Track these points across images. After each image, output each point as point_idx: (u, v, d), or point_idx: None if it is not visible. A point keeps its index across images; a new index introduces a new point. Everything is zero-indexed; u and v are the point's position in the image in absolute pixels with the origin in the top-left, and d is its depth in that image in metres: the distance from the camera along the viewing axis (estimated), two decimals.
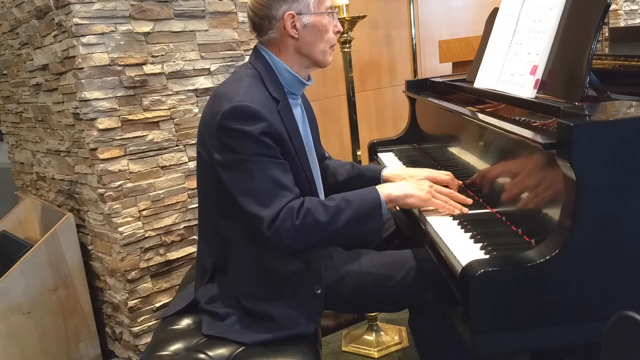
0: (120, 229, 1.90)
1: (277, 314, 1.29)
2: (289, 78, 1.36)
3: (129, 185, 1.91)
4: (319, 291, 1.31)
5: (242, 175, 1.22)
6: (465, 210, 1.30)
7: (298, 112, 1.41)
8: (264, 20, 1.32)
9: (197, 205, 1.62)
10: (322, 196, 1.47)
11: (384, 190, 1.29)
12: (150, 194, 1.96)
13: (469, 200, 1.33)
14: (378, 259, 1.38)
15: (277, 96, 1.30)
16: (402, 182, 1.38)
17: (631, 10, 3.69)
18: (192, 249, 2.06)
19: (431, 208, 1.33)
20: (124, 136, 1.88)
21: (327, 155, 1.70)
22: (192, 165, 2.02)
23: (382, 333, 2.23)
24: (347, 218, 1.23)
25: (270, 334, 1.27)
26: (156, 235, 1.99)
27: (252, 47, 1.43)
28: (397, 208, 1.46)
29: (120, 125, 1.87)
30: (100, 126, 1.83)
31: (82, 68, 1.79)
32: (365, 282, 1.35)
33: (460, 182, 1.46)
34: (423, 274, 1.31)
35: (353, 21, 2.08)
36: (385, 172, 1.56)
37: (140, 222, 1.95)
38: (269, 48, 1.36)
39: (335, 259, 1.38)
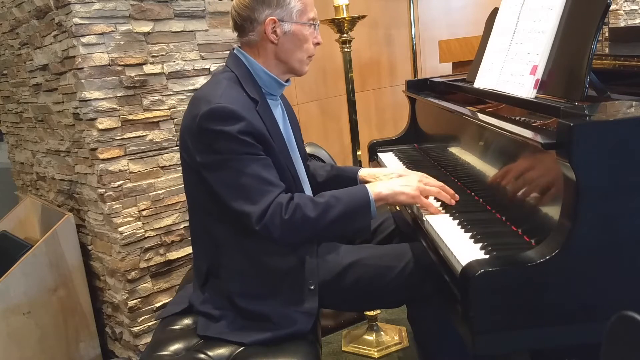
0: (120, 229, 1.90)
1: (272, 313, 1.29)
2: (267, 79, 1.37)
3: (129, 185, 1.91)
4: (312, 287, 1.32)
5: (226, 175, 1.23)
6: (456, 197, 1.33)
7: (278, 112, 1.43)
8: (245, 22, 1.34)
9: None
10: (308, 192, 1.48)
11: (374, 188, 1.30)
12: (150, 194, 1.96)
13: (457, 197, 1.35)
14: (376, 252, 1.39)
15: (255, 97, 1.31)
16: (393, 180, 1.39)
17: (631, 10, 3.69)
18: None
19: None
20: (124, 136, 1.88)
21: (308, 157, 1.71)
22: None
23: (382, 333, 2.23)
24: (336, 215, 1.24)
25: (267, 334, 1.27)
26: (156, 235, 1.99)
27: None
28: (396, 207, 1.47)
29: (120, 125, 1.87)
30: (100, 126, 1.83)
31: (82, 68, 1.79)
32: (364, 275, 1.35)
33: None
34: (421, 265, 1.32)
35: (353, 21, 2.08)
36: (361, 173, 1.58)
37: (140, 222, 1.95)
38: (248, 50, 1.38)
39: (334, 254, 1.38)
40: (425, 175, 1.41)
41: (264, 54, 1.36)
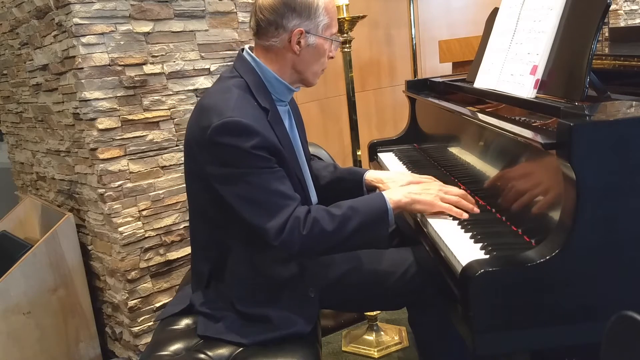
0: (120, 229, 1.90)
1: (272, 316, 1.29)
2: (277, 85, 1.34)
3: (129, 185, 1.91)
4: (312, 295, 1.32)
5: (242, 189, 1.21)
6: (476, 210, 1.28)
7: (286, 118, 1.40)
8: (270, 26, 1.29)
9: None
10: (314, 197, 1.47)
11: (392, 196, 1.28)
12: (150, 194, 1.96)
13: (477, 210, 1.29)
14: (378, 257, 1.39)
15: (266, 105, 1.28)
16: (410, 186, 1.37)
17: (631, 10, 3.69)
18: None
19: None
20: (124, 136, 1.88)
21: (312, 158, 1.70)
22: None
23: (382, 333, 2.23)
24: (353, 226, 1.22)
25: (267, 334, 1.27)
26: (156, 235, 1.99)
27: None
28: None
29: (120, 125, 1.87)
30: (100, 126, 1.83)
31: (82, 68, 1.79)
32: (366, 280, 1.35)
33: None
34: (422, 270, 1.31)
35: (353, 21, 2.08)
36: (367, 176, 1.54)
37: (140, 222, 1.95)
38: (262, 53, 1.33)
39: (336, 258, 1.38)
40: (442, 184, 1.36)
41: (282, 62, 1.32)
